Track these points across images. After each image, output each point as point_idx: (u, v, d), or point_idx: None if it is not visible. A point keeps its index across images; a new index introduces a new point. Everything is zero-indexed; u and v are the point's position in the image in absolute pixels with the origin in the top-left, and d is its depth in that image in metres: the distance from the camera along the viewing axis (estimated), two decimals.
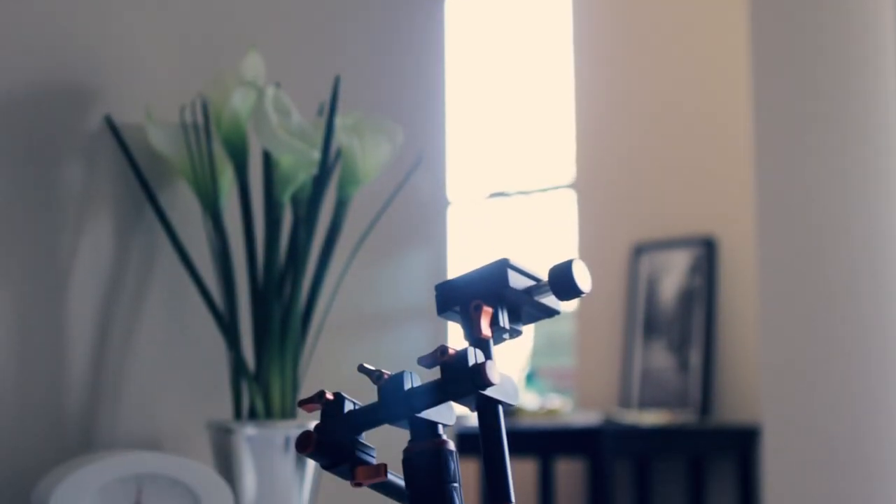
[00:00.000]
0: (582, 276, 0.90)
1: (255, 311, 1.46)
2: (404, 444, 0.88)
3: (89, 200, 1.50)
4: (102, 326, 1.49)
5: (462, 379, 0.85)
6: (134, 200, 1.53)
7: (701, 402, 4.32)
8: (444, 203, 1.93)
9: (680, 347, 4.42)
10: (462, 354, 0.86)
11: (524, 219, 5.35)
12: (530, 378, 4.80)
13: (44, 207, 1.47)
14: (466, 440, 1.92)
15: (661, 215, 4.62)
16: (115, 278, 1.51)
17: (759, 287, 2.86)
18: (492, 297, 0.90)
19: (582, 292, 0.90)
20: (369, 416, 0.89)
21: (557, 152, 5.23)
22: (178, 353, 1.56)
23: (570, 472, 4.59)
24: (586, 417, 4.13)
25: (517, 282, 0.91)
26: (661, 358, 4.47)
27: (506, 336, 0.92)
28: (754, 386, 4.13)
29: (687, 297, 4.45)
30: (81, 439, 1.46)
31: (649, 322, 4.53)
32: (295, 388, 1.45)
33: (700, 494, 4.29)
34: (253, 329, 1.46)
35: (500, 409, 0.87)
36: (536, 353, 5.08)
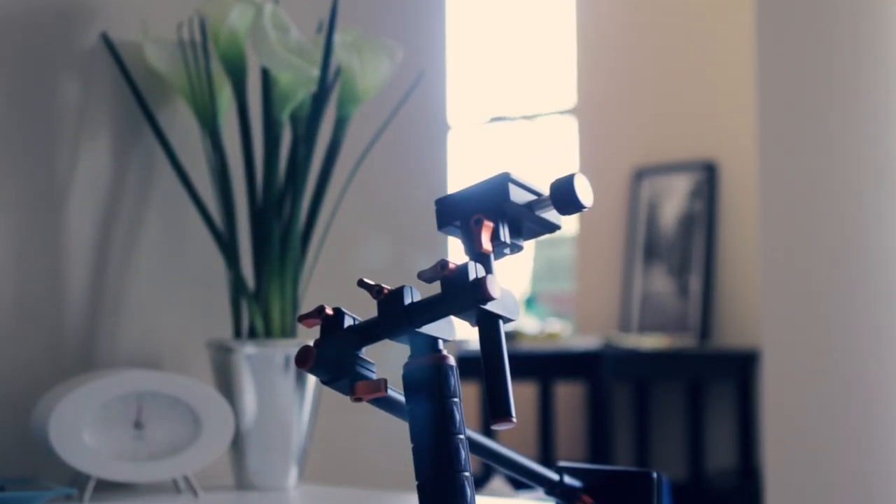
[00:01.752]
0: (584, 190, 0.89)
1: (254, 230, 1.45)
2: (404, 360, 0.88)
3: (86, 118, 1.49)
4: (101, 245, 1.49)
5: (462, 293, 0.84)
6: (131, 119, 1.52)
7: (700, 327, 4.33)
8: (445, 124, 1.92)
9: (680, 272, 4.42)
10: (462, 269, 0.85)
11: (525, 144, 5.33)
12: (530, 302, 4.81)
13: (40, 125, 1.45)
14: (465, 363, 1.92)
15: (661, 140, 4.60)
16: (114, 197, 1.50)
17: (760, 212, 2.85)
18: (492, 211, 0.89)
19: (584, 206, 0.89)
20: (369, 332, 0.88)
21: (559, 77, 5.20)
22: (178, 272, 1.56)
23: (569, 396, 4.61)
24: (586, 341, 4.14)
25: (518, 196, 0.90)
26: (660, 282, 4.47)
27: (506, 251, 0.91)
28: (754, 310, 4.14)
29: (687, 222, 4.44)
30: (81, 358, 1.46)
31: (649, 247, 4.53)
32: (295, 306, 1.45)
33: (699, 418, 4.31)
34: (252, 248, 1.45)
35: (501, 323, 0.86)
36: (536, 277, 5.08)
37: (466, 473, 0.85)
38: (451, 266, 0.85)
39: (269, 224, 1.43)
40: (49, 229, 1.45)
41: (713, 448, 4.34)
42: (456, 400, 0.86)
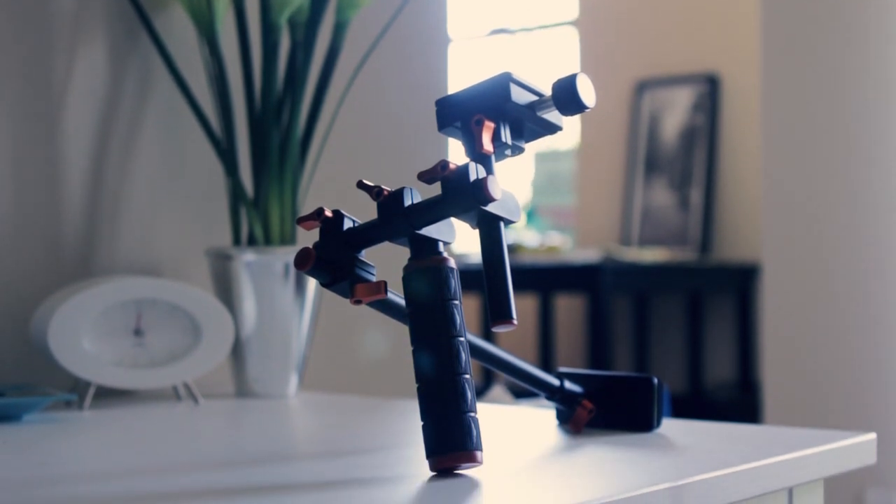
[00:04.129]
0: (586, 90, 0.87)
1: (253, 136, 1.44)
2: (404, 263, 0.87)
3: (82, 25, 1.47)
4: (99, 153, 1.47)
5: (463, 194, 0.83)
6: (128, 25, 1.50)
7: (701, 240, 4.33)
8: (445, 35, 1.89)
9: (681, 185, 4.41)
10: (463, 170, 0.84)
11: (526, 56, 5.28)
12: (531, 216, 4.80)
13: (35, 33, 1.43)
14: (464, 275, 1.91)
15: (663, 52, 4.56)
16: (111, 104, 1.49)
17: (762, 125, 2.83)
18: (494, 111, 0.88)
19: (586, 106, 0.87)
20: (369, 234, 0.88)
21: None
22: (176, 180, 1.55)
23: (570, 308, 4.62)
24: (586, 255, 4.13)
25: (520, 96, 0.89)
26: (661, 196, 4.46)
27: (507, 152, 0.90)
28: (754, 224, 4.13)
29: (689, 135, 4.42)
30: (80, 266, 1.45)
31: (650, 160, 4.51)
32: (294, 213, 1.44)
33: (698, 331, 4.32)
34: (251, 155, 1.44)
35: (502, 225, 0.85)
36: (537, 191, 5.06)
37: (467, 376, 0.85)
38: (452, 167, 0.84)
39: (268, 131, 1.42)
40: (46, 138, 1.43)
41: (712, 361, 4.36)
42: (456, 302, 0.86)
